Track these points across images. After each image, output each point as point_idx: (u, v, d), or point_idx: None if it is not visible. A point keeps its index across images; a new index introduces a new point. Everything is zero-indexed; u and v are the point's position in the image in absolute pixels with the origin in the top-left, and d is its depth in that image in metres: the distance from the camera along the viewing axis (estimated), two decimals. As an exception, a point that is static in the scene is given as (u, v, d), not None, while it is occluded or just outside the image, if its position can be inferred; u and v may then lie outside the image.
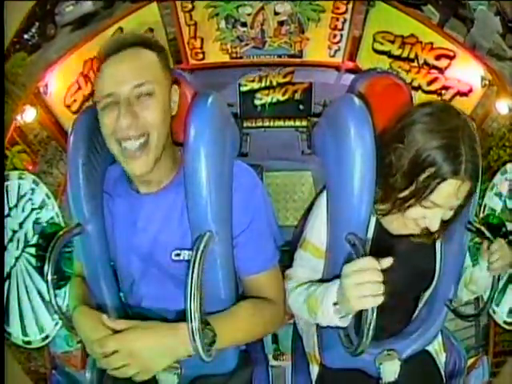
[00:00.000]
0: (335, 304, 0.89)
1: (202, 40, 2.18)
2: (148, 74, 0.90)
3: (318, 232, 1.07)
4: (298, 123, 2.22)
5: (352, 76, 2.05)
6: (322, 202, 1.06)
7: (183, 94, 1.02)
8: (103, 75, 0.91)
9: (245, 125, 2.16)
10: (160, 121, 0.91)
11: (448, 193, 0.91)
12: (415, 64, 1.99)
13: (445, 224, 0.99)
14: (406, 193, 0.94)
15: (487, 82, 1.79)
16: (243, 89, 2.21)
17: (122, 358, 0.85)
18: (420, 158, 0.91)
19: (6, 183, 1.58)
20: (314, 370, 1.15)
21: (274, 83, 2.22)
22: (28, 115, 1.72)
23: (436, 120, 0.93)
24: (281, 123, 2.23)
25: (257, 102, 2.21)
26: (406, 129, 0.94)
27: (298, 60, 2.22)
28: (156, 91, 0.91)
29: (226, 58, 2.22)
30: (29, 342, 1.58)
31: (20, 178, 1.63)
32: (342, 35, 2.15)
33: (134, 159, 0.91)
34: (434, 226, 0.96)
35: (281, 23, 2.18)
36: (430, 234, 1.04)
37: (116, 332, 0.88)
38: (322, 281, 1.08)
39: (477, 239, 1.15)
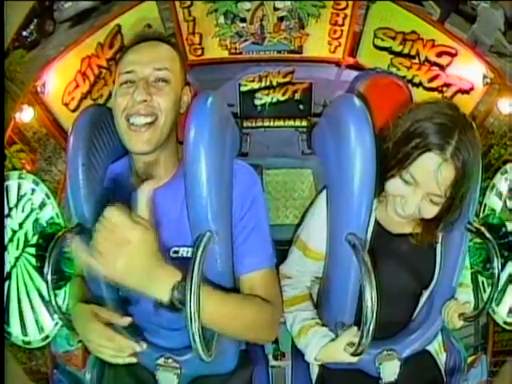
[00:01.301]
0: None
1: (201, 36, 2.17)
2: (167, 62, 0.97)
3: (313, 233, 1.08)
4: (298, 123, 2.21)
5: (352, 72, 2.05)
6: (320, 203, 1.06)
7: (183, 93, 1.02)
8: (126, 57, 0.97)
9: (245, 125, 2.15)
10: (169, 108, 0.95)
11: (428, 167, 0.90)
12: (416, 61, 1.97)
13: (435, 225, 1.00)
14: (392, 162, 0.95)
15: (489, 81, 1.78)
16: (243, 89, 2.20)
17: (105, 245, 0.75)
18: (412, 127, 0.93)
19: (5, 183, 1.57)
20: (314, 369, 1.15)
21: (274, 83, 2.20)
22: (26, 114, 1.72)
23: (444, 107, 0.94)
24: (281, 123, 2.21)
25: (257, 102, 2.20)
26: (413, 110, 0.97)
27: (297, 56, 2.20)
28: (171, 80, 0.96)
29: (225, 54, 2.21)
30: (29, 342, 1.58)
31: (20, 178, 1.63)
32: (342, 31, 2.13)
33: (138, 134, 0.93)
34: (410, 208, 0.95)
35: (280, 19, 2.16)
36: (427, 233, 1.04)
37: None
38: (318, 293, 1.12)
39: (477, 239, 1.14)
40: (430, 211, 0.96)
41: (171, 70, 0.97)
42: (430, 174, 0.91)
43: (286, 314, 1.11)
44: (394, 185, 0.96)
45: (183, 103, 1.01)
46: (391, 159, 0.95)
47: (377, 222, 1.06)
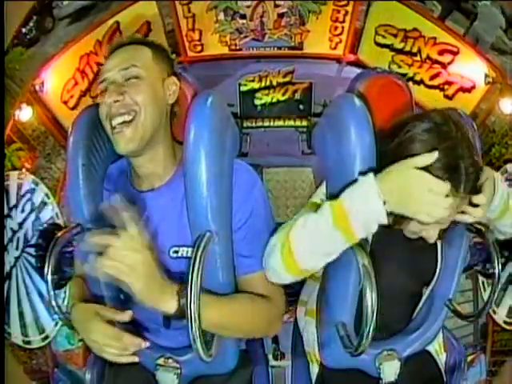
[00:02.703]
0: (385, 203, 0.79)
1: (201, 32, 2.16)
2: (135, 60, 0.97)
3: (318, 195, 1.05)
4: (298, 123, 2.21)
5: (353, 69, 2.04)
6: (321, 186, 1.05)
7: (183, 93, 1.02)
8: (101, 69, 0.99)
9: (245, 125, 2.15)
10: (148, 102, 0.94)
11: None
12: (418, 58, 1.97)
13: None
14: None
15: (491, 80, 1.78)
16: (243, 89, 2.20)
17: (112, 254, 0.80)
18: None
19: (5, 183, 1.58)
20: (314, 369, 1.15)
21: (274, 83, 2.21)
22: (24, 113, 1.72)
23: (435, 137, 0.89)
24: (281, 123, 2.22)
25: (257, 102, 2.20)
26: (405, 146, 0.91)
27: (298, 52, 2.20)
28: (144, 76, 0.96)
29: (224, 50, 2.21)
30: (29, 342, 1.59)
31: (20, 178, 1.63)
32: (343, 27, 2.12)
33: (120, 135, 0.93)
34: (432, 238, 0.96)
35: (281, 15, 2.16)
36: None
37: None
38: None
39: (477, 239, 1.14)
40: (447, 225, 0.96)
41: (141, 65, 0.96)
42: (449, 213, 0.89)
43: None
44: (414, 226, 0.95)
45: (172, 93, 1.00)
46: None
47: None
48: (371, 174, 0.82)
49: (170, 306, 0.84)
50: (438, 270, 1.10)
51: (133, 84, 0.95)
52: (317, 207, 0.93)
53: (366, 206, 0.81)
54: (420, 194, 0.78)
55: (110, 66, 0.98)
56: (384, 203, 0.79)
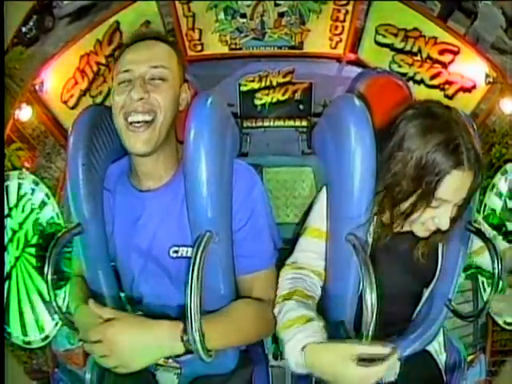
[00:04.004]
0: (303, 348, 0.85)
1: (201, 31, 2.17)
2: (164, 60, 0.96)
3: (319, 217, 1.05)
4: (298, 123, 2.21)
5: (354, 68, 2.04)
6: (322, 195, 1.05)
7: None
8: (124, 57, 0.97)
9: (245, 125, 2.16)
10: (168, 106, 0.94)
11: (454, 186, 0.90)
12: (418, 58, 1.98)
13: (452, 222, 0.98)
14: (413, 198, 0.93)
15: (491, 80, 1.78)
16: (243, 89, 2.20)
17: (103, 348, 0.85)
18: (422, 161, 0.90)
19: (5, 183, 1.58)
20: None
21: (274, 83, 2.21)
22: (24, 113, 1.72)
23: (428, 119, 0.92)
24: (281, 123, 2.22)
25: (257, 102, 2.20)
26: (402, 137, 0.94)
27: (298, 52, 2.21)
28: (169, 78, 0.96)
29: (225, 50, 2.21)
30: (29, 342, 1.60)
31: (20, 177, 1.64)
32: (343, 27, 2.13)
33: (137, 134, 0.93)
34: (445, 224, 0.95)
35: (281, 14, 2.17)
36: (435, 233, 1.03)
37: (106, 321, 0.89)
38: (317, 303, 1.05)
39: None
40: (455, 212, 0.96)
41: (168, 67, 0.96)
42: (457, 189, 0.92)
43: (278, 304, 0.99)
44: (424, 215, 0.95)
45: (182, 100, 1.01)
46: (409, 196, 0.94)
47: (380, 219, 1.04)
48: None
49: (179, 351, 0.86)
50: (438, 270, 1.10)
51: (158, 85, 0.94)
52: (317, 233, 1.04)
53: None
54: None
55: (139, 58, 0.95)
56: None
